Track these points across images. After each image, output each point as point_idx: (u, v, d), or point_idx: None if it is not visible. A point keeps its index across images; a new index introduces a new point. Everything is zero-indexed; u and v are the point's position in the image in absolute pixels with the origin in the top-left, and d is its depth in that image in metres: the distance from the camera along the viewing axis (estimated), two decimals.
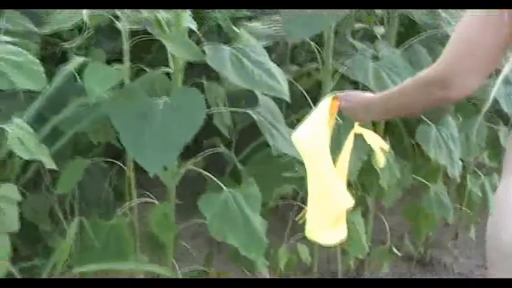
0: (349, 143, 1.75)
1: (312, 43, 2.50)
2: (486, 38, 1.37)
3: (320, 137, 1.69)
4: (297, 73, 2.76)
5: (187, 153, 2.30)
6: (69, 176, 2.23)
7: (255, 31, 2.38)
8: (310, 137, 1.70)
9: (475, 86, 1.41)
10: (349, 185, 1.86)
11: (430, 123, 2.73)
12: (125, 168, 2.31)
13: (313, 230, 1.69)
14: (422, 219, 2.93)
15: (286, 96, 2.12)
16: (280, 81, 2.13)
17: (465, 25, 1.40)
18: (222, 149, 2.46)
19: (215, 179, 2.22)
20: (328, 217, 1.69)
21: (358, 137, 1.76)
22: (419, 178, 2.86)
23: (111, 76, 2.04)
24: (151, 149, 1.96)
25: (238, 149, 2.52)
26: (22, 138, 1.86)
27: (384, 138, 2.59)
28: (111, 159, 2.33)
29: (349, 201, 1.68)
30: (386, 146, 1.83)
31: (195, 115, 2.01)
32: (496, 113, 3.00)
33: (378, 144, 1.79)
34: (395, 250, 2.96)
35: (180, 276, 2.26)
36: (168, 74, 2.20)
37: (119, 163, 2.32)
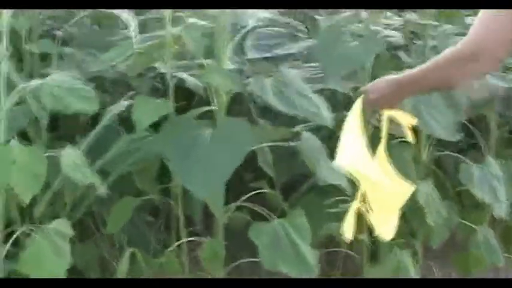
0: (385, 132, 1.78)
1: None
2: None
3: (359, 151, 1.72)
4: None
5: (234, 194, 2.35)
6: (119, 215, 2.25)
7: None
8: (351, 156, 1.73)
9: (503, 57, 1.48)
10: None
11: (471, 163, 2.74)
12: (174, 206, 2.32)
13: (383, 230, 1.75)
14: (472, 265, 2.87)
15: (328, 121, 2.16)
16: (321, 108, 2.18)
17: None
18: (267, 189, 2.47)
19: (264, 209, 2.24)
20: (393, 211, 1.73)
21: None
22: (465, 222, 2.82)
23: (158, 108, 2.12)
24: (199, 174, 2.00)
25: (283, 187, 2.53)
26: (77, 163, 1.91)
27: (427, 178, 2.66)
28: (159, 198, 2.35)
29: (409, 187, 1.73)
30: (414, 121, 1.83)
31: (241, 143, 2.07)
32: None
33: (407, 120, 1.80)
34: None
35: None
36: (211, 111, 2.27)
37: (169, 201, 2.33)
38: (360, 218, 1.74)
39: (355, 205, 1.74)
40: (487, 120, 2.98)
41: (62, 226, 1.99)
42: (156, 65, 2.26)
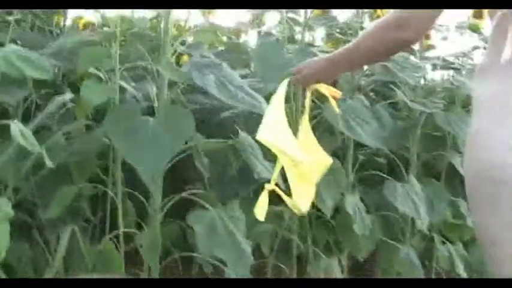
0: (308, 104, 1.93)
1: None
2: None
3: (280, 127, 1.85)
4: None
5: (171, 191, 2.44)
6: (59, 202, 2.30)
7: None
8: (272, 132, 1.83)
9: (426, 28, 1.64)
10: None
11: (394, 181, 2.93)
12: (114, 196, 2.38)
13: (298, 196, 1.84)
14: None
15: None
16: (260, 100, 2.32)
17: None
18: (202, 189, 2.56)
19: (201, 200, 2.33)
20: (311, 184, 1.85)
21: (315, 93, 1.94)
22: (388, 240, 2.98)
23: (106, 91, 2.22)
24: (144, 154, 2.09)
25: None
26: (26, 134, 1.97)
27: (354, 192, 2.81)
28: (100, 186, 2.40)
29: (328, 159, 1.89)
30: (339, 94, 1.98)
31: (183, 127, 2.18)
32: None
33: (332, 93, 1.95)
34: None
35: None
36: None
37: (108, 191, 2.39)
38: None
39: (268, 187, 1.84)
40: (409, 144, 3.18)
41: (3, 205, 2.01)
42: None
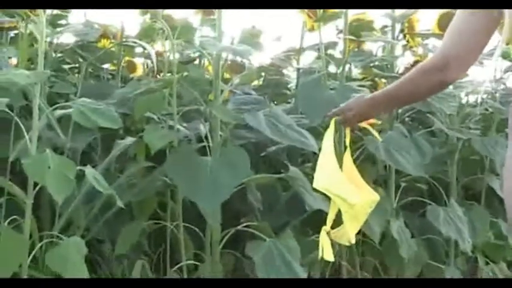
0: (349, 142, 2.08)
1: None
2: (475, 26, 1.66)
3: (332, 172, 2.00)
4: None
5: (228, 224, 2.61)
6: (126, 239, 2.48)
7: None
8: (326, 178, 1.97)
9: (466, 68, 1.72)
10: None
11: (436, 205, 3.06)
12: (176, 231, 2.55)
13: (351, 234, 1.99)
14: None
15: (314, 148, 2.47)
16: (308, 138, 2.49)
17: (457, 18, 1.70)
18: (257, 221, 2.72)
19: (256, 231, 2.49)
20: (362, 220, 2.01)
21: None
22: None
23: (167, 135, 2.40)
24: (204, 191, 2.26)
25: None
26: (97, 177, 2.15)
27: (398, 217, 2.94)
28: (161, 222, 2.58)
29: (375, 196, 2.02)
30: (376, 121, 2.11)
31: (240, 166, 2.35)
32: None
33: (369, 122, 2.08)
34: None
35: None
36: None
37: (168, 226, 2.57)
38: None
39: (326, 228, 1.99)
40: (448, 169, 3.32)
41: (80, 244, 2.18)
42: None
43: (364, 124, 2.09)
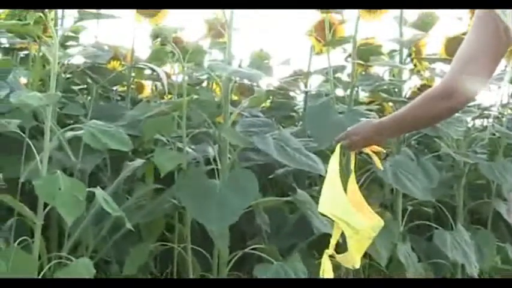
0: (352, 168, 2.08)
1: None
2: (483, 53, 1.66)
3: (337, 197, 2.01)
4: None
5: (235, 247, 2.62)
6: (134, 260, 2.48)
7: None
8: (330, 203, 1.99)
9: (474, 94, 1.72)
10: None
11: (443, 229, 3.06)
12: (184, 252, 2.56)
13: (356, 258, 1.99)
14: None
15: (322, 171, 2.48)
16: (316, 161, 2.50)
17: (465, 43, 1.70)
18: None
19: (265, 255, 2.50)
20: (366, 243, 2.02)
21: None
22: None
23: (176, 157, 2.42)
24: (213, 213, 2.28)
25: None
26: (107, 199, 2.17)
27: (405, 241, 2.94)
28: (169, 244, 2.59)
29: (380, 221, 2.01)
30: (381, 150, 2.10)
31: (249, 189, 2.36)
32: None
33: (374, 150, 2.09)
34: None
35: None
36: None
37: (175, 248, 2.58)
38: None
39: (328, 252, 1.98)
40: (455, 193, 3.32)
41: (88, 266, 2.19)
42: None
43: (367, 150, 2.10)
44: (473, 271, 2.97)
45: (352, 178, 2.09)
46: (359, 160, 2.19)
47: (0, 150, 2.16)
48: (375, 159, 2.10)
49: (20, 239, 2.11)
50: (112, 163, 2.73)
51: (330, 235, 2.37)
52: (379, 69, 3.33)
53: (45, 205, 2.14)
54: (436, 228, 3.07)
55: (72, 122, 2.72)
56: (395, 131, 2.01)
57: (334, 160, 2.04)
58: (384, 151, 2.15)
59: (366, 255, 2.83)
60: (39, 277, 2.11)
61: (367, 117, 2.76)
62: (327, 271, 2.02)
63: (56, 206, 1.96)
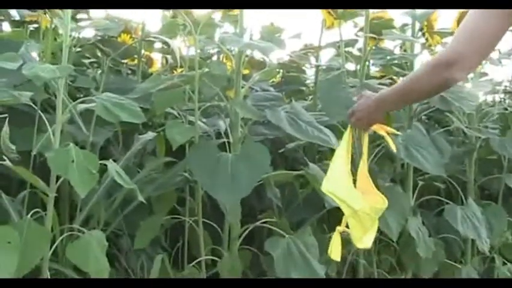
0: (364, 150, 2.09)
1: None
2: (488, 28, 1.68)
3: (342, 177, 2.02)
4: None
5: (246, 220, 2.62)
6: (145, 233, 2.49)
7: None
8: (334, 182, 2.03)
9: (475, 66, 1.75)
10: None
11: (454, 204, 3.06)
12: (195, 226, 2.56)
13: (358, 238, 2.03)
14: None
15: (334, 145, 2.47)
16: (328, 134, 2.49)
17: (470, 17, 1.71)
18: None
19: (276, 228, 2.50)
20: (372, 224, 2.02)
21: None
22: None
23: (188, 130, 2.41)
24: (225, 186, 2.27)
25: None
26: (119, 172, 2.17)
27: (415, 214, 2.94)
28: (180, 217, 2.59)
29: (384, 202, 2.04)
30: (395, 131, 2.14)
31: (260, 161, 2.35)
32: None
33: (387, 130, 2.10)
34: None
35: None
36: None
37: (186, 221, 2.58)
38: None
39: (340, 229, 2.04)
40: (466, 168, 3.31)
41: (101, 238, 2.19)
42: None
43: (380, 130, 2.10)
44: (484, 246, 2.97)
45: (364, 160, 2.09)
46: (370, 135, 2.20)
47: (12, 123, 2.14)
48: (389, 140, 2.11)
49: (33, 211, 2.11)
50: (123, 137, 2.72)
51: (341, 209, 2.39)
52: (391, 44, 3.31)
53: (57, 178, 2.13)
54: (447, 203, 3.06)
55: (83, 95, 2.71)
56: (397, 103, 2.00)
57: (344, 140, 2.06)
58: (398, 133, 2.15)
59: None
60: (52, 249, 2.11)
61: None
62: (335, 248, 2.03)
63: (69, 178, 1.96)
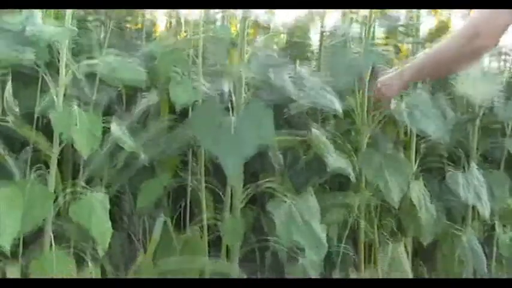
0: None
1: None
2: None
3: None
4: None
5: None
6: (148, 195, 2.50)
7: None
8: None
9: (502, 33, 1.67)
10: None
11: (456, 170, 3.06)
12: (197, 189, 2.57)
13: None
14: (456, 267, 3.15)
15: (338, 110, 2.47)
16: (332, 99, 2.49)
17: None
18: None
19: (278, 192, 2.51)
20: None
21: None
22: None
23: (192, 92, 2.41)
24: (228, 149, 2.27)
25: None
26: (122, 133, 2.17)
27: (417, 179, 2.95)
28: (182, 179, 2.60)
29: None
30: None
31: (264, 124, 2.35)
32: None
33: None
34: None
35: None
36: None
37: (188, 184, 2.59)
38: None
39: None
40: (470, 135, 3.31)
41: (103, 199, 2.20)
42: None
43: None
44: (485, 212, 2.98)
45: None
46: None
47: (15, 84, 2.15)
48: None
49: (36, 171, 2.12)
50: (126, 99, 2.72)
51: (343, 175, 2.41)
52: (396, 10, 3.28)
53: (60, 139, 2.13)
54: (449, 169, 3.06)
55: (85, 57, 2.70)
56: (422, 76, 2.07)
57: None
58: None
59: (378, 195, 2.87)
60: (55, 209, 2.11)
61: (383, 58, 2.77)
62: None
63: (72, 139, 1.96)
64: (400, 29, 3.14)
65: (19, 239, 2.05)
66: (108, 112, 2.59)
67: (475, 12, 1.71)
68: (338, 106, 2.47)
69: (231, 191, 2.56)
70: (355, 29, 3.21)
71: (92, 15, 3.12)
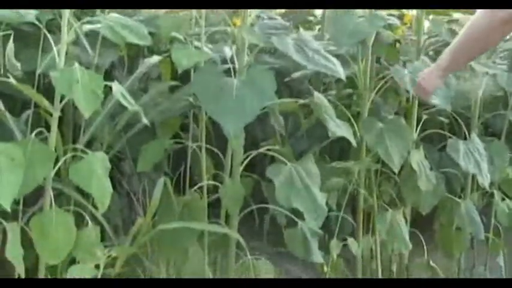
0: None
1: None
2: None
3: None
4: None
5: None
6: (148, 157, 2.50)
7: None
8: None
9: None
10: None
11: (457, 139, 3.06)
12: (198, 152, 2.57)
13: None
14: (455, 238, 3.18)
15: (343, 76, 2.46)
16: (335, 63, 2.47)
17: None
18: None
19: (278, 156, 2.51)
20: None
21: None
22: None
23: (194, 54, 2.39)
24: (229, 112, 2.26)
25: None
26: (124, 94, 2.16)
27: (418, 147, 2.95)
28: (183, 142, 2.60)
29: None
30: None
31: (266, 87, 2.33)
32: None
33: None
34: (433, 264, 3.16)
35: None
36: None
37: (189, 146, 2.58)
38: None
39: None
40: (472, 105, 3.31)
41: (104, 160, 2.17)
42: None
43: None
44: (485, 181, 2.98)
45: None
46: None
47: (17, 43, 2.13)
48: None
49: (36, 131, 2.10)
50: (128, 61, 2.71)
51: (344, 139, 2.41)
52: None
53: (62, 99, 2.12)
54: (450, 138, 3.06)
55: (87, 16, 2.68)
56: (458, 64, 2.14)
57: None
58: None
59: (378, 160, 2.87)
60: (55, 170, 2.10)
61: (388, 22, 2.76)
62: None
63: (73, 98, 1.95)
64: None
65: (19, 200, 2.05)
66: (109, 77, 2.58)
67: None
68: (340, 70, 2.45)
69: (232, 154, 2.55)
70: None
71: None
